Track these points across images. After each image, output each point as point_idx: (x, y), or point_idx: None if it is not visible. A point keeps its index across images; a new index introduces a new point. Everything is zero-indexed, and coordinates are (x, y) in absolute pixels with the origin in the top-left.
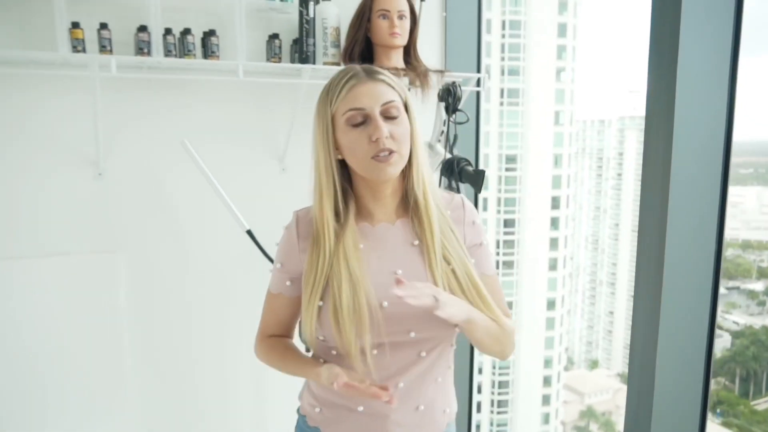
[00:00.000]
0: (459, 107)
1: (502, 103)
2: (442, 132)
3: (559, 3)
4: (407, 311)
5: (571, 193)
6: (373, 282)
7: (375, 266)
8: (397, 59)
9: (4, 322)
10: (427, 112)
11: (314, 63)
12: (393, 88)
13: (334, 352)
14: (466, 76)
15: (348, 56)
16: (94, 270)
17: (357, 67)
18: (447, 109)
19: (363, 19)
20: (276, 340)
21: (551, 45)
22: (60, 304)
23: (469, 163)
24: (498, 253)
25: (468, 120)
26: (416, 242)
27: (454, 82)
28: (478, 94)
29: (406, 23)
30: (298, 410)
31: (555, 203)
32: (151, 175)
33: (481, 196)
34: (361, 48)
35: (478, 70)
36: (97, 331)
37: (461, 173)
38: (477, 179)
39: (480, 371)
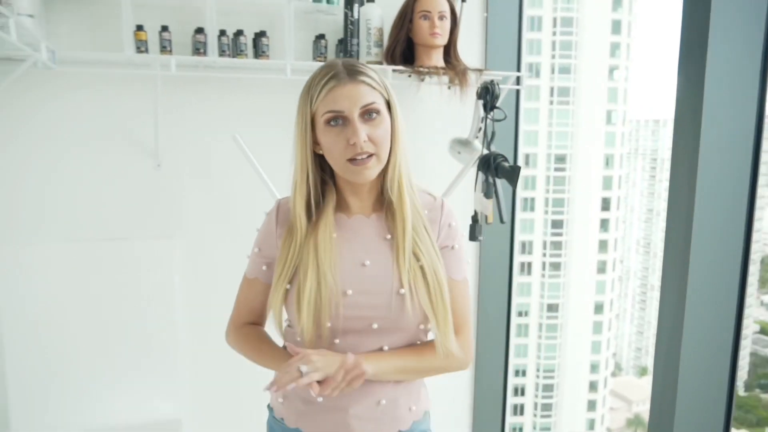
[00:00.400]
0: (497, 105)
1: (551, 102)
2: (480, 129)
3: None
4: (370, 302)
5: (623, 195)
6: (340, 270)
7: (345, 256)
8: (438, 58)
9: (70, 300)
10: (464, 109)
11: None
12: (374, 88)
13: (299, 339)
14: (505, 75)
15: (390, 55)
16: (151, 254)
17: (339, 65)
18: (485, 106)
19: (405, 20)
20: (251, 330)
21: (604, 42)
22: (119, 285)
23: (506, 159)
24: (544, 254)
25: (506, 117)
26: (388, 236)
27: (492, 81)
28: (517, 92)
29: (447, 24)
30: (268, 405)
31: (605, 205)
32: (205, 167)
33: (528, 196)
34: (403, 48)
35: (519, 69)
36: (153, 311)
37: (497, 169)
38: (513, 175)
39: (524, 374)
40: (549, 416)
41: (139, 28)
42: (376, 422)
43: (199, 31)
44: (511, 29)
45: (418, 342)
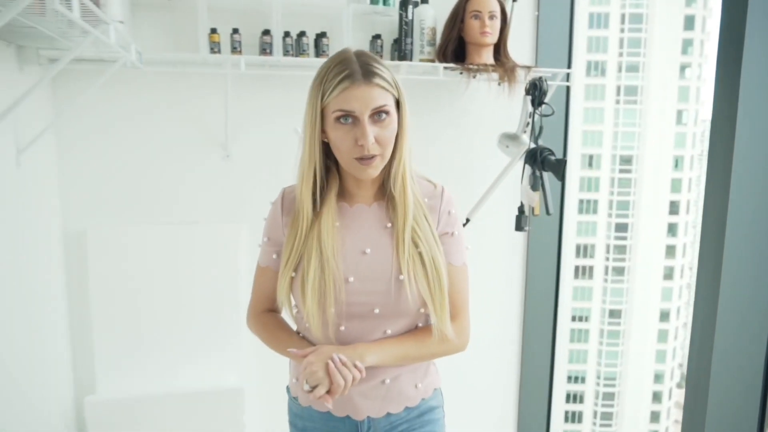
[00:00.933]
0: (545, 101)
1: (618, 101)
2: (528, 123)
3: None
4: (371, 288)
5: (693, 198)
6: (342, 258)
7: (347, 244)
8: (488, 56)
9: (153, 276)
10: (513, 105)
11: (411, 60)
12: (386, 90)
13: (307, 325)
14: (553, 72)
15: (442, 53)
16: (219, 237)
17: (354, 63)
18: (533, 102)
19: (457, 20)
20: (268, 318)
21: (676, 39)
22: (193, 264)
23: (552, 153)
24: (607, 258)
25: (553, 113)
26: (389, 225)
27: (540, 77)
28: (567, 88)
29: (497, 23)
30: (287, 386)
31: (674, 208)
32: (270, 157)
33: (590, 198)
34: (455, 46)
35: (569, 66)
36: (221, 289)
37: (544, 162)
38: (558, 168)
39: (582, 380)
40: (609, 426)
41: (213, 31)
42: (382, 400)
43: (266, 32)
44: (562, 27)
45: (420, 325)
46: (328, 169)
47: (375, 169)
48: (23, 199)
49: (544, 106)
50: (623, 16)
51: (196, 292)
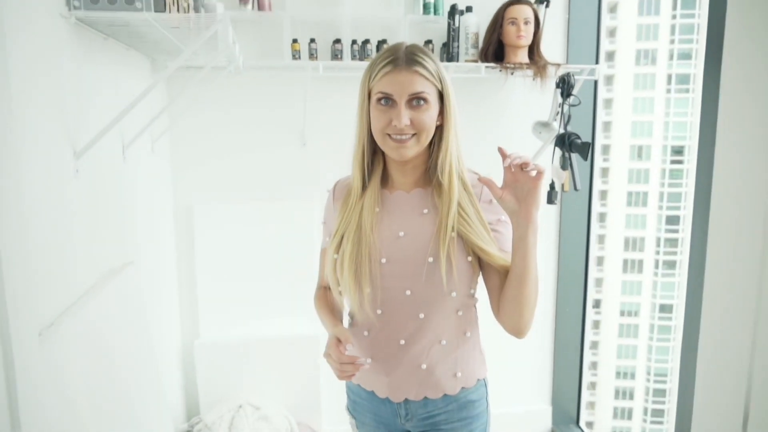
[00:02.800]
0: (572, 93)
1: (669, 90)
2: (558, 113)
3: None
4: (402, 270)
5: None
6: (378, 240)
7: (384, 228)
8: (523, 56)
9: (237, 243)
10: (544, 96)
11: (458, 61)
12: (427, 78)
13: (348, 308)
14: (580, 68)
15: (484, 54)
16: (297, 212)
17: (401, 51)
18: (562, 94)
19: (496, 26)
20: (324, 296)
21: None
22: (277, 234)
23: (578, 137)
24: (658, 252)
25: (580, 103)
26: (425, 211)
27: (568, 73)
28: (595, 82)
29: (531, 28)
30: None
31: None
32: (339, 145)
33: (639, 190)
34: (495, 48)
35: (596, 62)
36: (298, 254)
37: (571, 145)
38: (584, 149)
39: (632, 376)
40: (660, 423)
41: (294, 41)
42: (419, 385)
43: (337, 41)
44: (591, 27)
45: (459, 312)
46: (375, 154)
47: (408, 150)
48: (154, 179)
49: (571, 97)
50: (675, 0)
51: (279, 256)
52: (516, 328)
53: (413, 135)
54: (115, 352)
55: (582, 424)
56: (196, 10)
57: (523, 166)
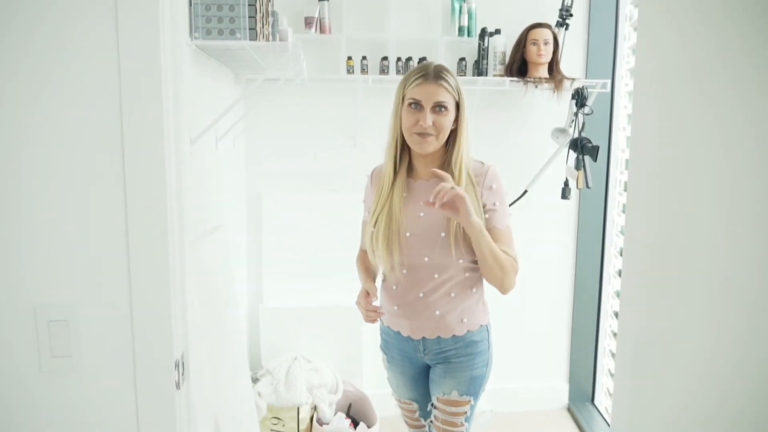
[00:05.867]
0: (586, 104)
1: None
2: (573, 121)
3: None
4: (422, 242)
5: None
6: (404, 218)
7: (408, 209)
8: (543, 71)
9: (298, 226)
10: (561, 107)
11: (486, 76)
12: (448, 91)
13: (381, 268)
14: (593, 82)
15: (509, 70)
16: (349, 201)
17: (431, 69)
18: (576, 104)
19: (520, 46)
20: (363, 257)
21: None
22: (329, 220)
23: (590, 142)
24: None
25: (592, 112)
26: None
27: (583, 87)
28: (611, 94)
29: (550, 47)
30: None
31: None
32: (383, 145)
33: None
34: (519, 64)
35: (613, 78)
36: (348, 237)
37: (583, 148)
38: (593, 151)
39: None
40: None
41: (349, 58)
42: (433, 327)
43: (384, 58)
44: (607, 46)
45: (467, 275)
46: (403, 150)
47: (429, 145)
48: (233, 169)
49: (585, 107)
50: None
51: (331, 239)
52: (498, 289)
53: (434, 134)
54: (210, 291)
55: (598, 404)
56: (273, 36)
57: (446, 197)
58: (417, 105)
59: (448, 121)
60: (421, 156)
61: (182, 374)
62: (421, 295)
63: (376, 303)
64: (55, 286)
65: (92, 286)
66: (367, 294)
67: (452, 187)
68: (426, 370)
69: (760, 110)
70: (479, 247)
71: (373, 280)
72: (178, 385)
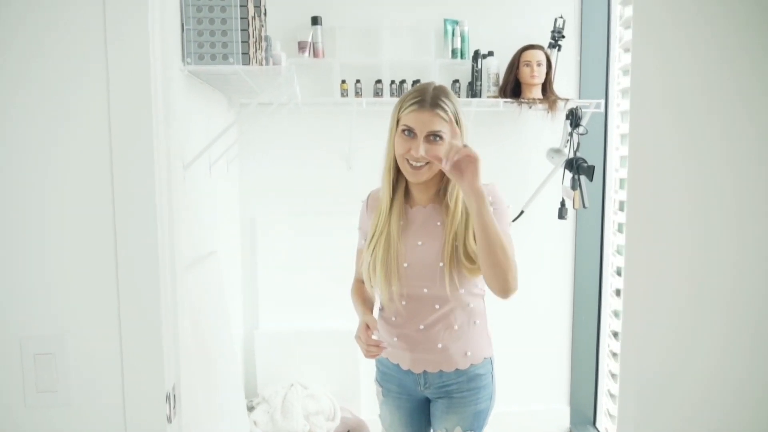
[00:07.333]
0: (580, 123)
1: None
2: (567, 141)
3: None
4: (420, 273)
5: None
6: (402, 246)
7: (406, 238)
8: (537, 92)
9: (293, 248)
10: (555, 126)
11: (480, 97)
12: (444, 119)
13: (380, 299)
14: (587, 102)
15: (503, 91)
16: (343, 224)
17: (429, 93)
18: (571, 124)
19: (513, 67)
20: (359, 288)
21: None
22: (323, 242)
23: (585, 161)
24: None
25: (587, 132)
26: (438, 223)
27: (576, 107)
28: (605, 114)
29: (543, 69)
30: None
31: None
32: (378, 168)
33: None
34: (512, 86)
35: (606, 97)
36: (343, 260)
37: (579, 168)
38: (589, 171)
39: None
40: None
41: (343, 81)
42: (435, 361)
43: (378, 81)
44: (600, 67)
45: (470, 305)
46: (400, 174)
47: (422, 176)
48: (227, 193)
49: (580, 127)
50: None
51: (327, 262)
52: (501, 288)
53: (426, 163)
54: (203, 319)
55: (599, 426)
56: (267, 61)
57: (457, 156)
58: (410, 132)
59: (442, 150)
60: (416, 182)
61: (173, 407)
62: (421, 327)
63: (376, 336)
64: (41, 318)
65: (80, 317)
66: (366, 327)
67: (464, 145)
68: (424, 404)
69: (758, 128)
70: (481, 221)
71: (371, 311)
72: (169, 419)
